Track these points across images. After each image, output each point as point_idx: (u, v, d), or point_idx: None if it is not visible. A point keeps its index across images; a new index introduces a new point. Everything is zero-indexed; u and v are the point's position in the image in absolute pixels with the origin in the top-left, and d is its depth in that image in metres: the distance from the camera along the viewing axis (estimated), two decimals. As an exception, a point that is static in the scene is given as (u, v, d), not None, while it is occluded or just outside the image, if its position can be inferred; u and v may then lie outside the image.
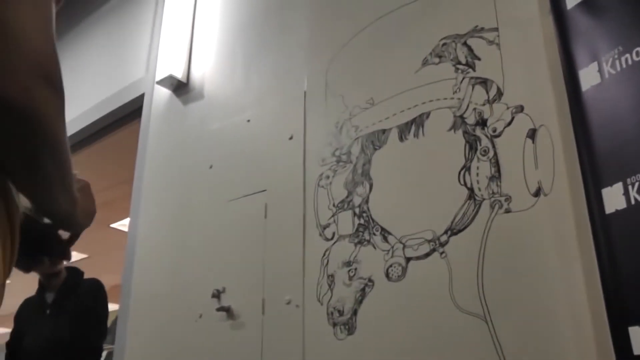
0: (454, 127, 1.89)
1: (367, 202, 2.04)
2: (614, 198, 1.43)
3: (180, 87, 3.11)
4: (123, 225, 6.19)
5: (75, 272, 3.50)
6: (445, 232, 1.80)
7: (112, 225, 6.39)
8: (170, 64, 3.07)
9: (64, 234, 0.99)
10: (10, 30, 0.66)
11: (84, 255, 7.28)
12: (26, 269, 1.04)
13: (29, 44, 0.68)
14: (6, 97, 0.64)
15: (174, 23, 3.23)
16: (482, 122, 1.83)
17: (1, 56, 0.65)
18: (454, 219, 1.79)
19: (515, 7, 1.89)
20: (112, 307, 3.60)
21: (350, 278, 1.99)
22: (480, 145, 1.80)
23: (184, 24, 3.21)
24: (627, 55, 1.49)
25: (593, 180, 1.50)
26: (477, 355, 1.63)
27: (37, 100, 0.67)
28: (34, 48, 0.68)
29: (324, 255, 2.10)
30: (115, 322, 3.15)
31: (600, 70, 1.55)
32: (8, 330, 3.55)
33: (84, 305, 3.30)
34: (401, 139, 2.02)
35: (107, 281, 3.68)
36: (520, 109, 1.75)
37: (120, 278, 3.05)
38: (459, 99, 1.91)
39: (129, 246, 3.02)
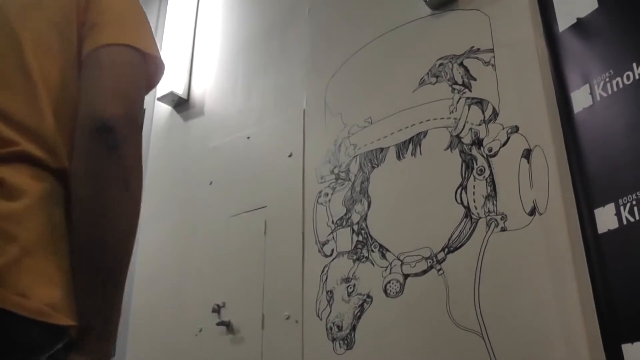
0: (450, 146, 1.93)
1: (365, 219, 2.07)
2: (606, 218, 1.47)
3: (181, 104, 3.15)
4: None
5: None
6: (443, 250, 1.84)
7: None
8: (171, 81, 3.11)
9: None
10: None
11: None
12: None
13: None
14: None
15: (175, 40, 3.27)
16: (478, 142, 1.87)
17: None
18: (451, 236, 1.83)
19: (510, 29, 1.93)
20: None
21: (349, 294, 2.02)
22: (477, 164, 1.84)
23: (185, 41, 3.26)
24: (618, 78, 1.54)
25: (586, 201, 1.54)
26: (474, 371, 1.66)
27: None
28: None
29: (323, 271, 2.13)
30: (114, 335, 3.15)
31: (591, 93, 1.60)
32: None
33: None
34: (399, 157, 2.06)
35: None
36: (516, 129, 1.79)
37: (121, 292, 3.06)
38: (455, 118, 1.95)
39: (130, 260, 3.04)
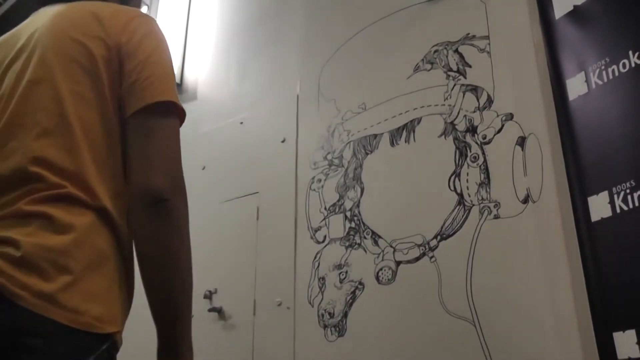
0: (444, 133, 1.92)
1: (358, 205, 2.07)
2: (599, 206, 1.47)
3: (174, 88, 3.12)
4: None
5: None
6: (435, 237, 1.83)
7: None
8: (163, 65, 3.08)
9: None
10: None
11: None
12: None
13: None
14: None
15: (167, 24, 3.23)
16: (473, 129, 1.86)
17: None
18: (444, 224, 1.82)
19: (506, 15, 1.92)
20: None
21: (341, 281, 2.02)
22: (470, 151, 1.84)
23: (178, 25, 3.23)
24: (614, 66, 1.53)
25: (580, 189, 1.53)
26: (466, 358, 1.66)
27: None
28: None
29: (315, 258, 2.12)
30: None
31: (587, 81, 1.59)
32: None
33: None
34: (392, 144, 2.05)
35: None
36: (510, 116, 1.78)
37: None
38: (449, 105, 1.94)
39: (121, 246, 3.03)
